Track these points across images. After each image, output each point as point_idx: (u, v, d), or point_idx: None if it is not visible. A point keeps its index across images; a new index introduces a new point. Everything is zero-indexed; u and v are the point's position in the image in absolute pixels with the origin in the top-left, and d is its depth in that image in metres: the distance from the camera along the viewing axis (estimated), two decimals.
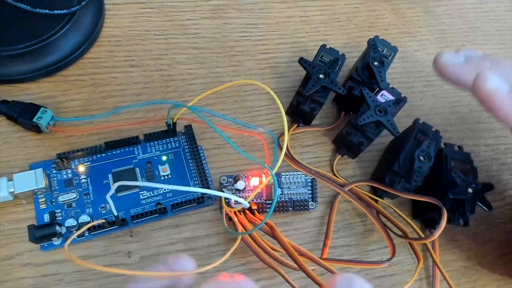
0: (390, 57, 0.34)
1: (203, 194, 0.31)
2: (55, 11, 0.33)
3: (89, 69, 0.35)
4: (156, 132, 0.32)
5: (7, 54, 0.31)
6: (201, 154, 0.33)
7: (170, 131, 0.32)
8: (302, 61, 0.32)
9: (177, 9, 0.39)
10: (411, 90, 0.39)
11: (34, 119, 0.30)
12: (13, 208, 0.29)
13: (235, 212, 0.30)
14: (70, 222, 0.29)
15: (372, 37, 0.35)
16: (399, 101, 0.32)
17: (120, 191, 0.30)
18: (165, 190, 0.31)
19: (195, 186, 0.31)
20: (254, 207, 0.30)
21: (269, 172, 0.27)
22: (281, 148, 0.34)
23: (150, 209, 0.30)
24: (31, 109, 0.31)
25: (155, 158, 0.32)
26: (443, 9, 0.44)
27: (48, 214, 0.29)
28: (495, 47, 0.43)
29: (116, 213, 0.27)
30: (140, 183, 0.30)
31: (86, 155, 0.31)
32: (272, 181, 0.32)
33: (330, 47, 0.34)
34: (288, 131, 0.34)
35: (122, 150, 0.32)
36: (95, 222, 0.28)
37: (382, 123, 0.31)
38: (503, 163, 0.38)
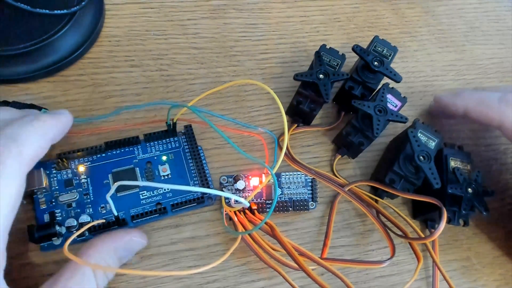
0: (390, 57, 0.34)
1: (203, 194, 0.31)
2: (55, 11, 0.33)
3: (89, 69, 0.35)
4: (156, 132, 0.32)
5: (7, 54, 0.31)
6: (201, 154, 0.33)
7: (170, 131, 0.32)
8: (298, 77, 0.32)
9: (177, 9, 0.39)
10: (411, 90, 0.39)
11: None
12: None
13: (235, 212, 0.30)
14: (70, 222, 0.29)
15: (372, 37, 0.35)
16: (383, 89, 0.32)
17: (120, 191, 0.30)
18: (165, 190, 0.31)
19: (195, 186, 0.31)
20: (254, 207, 0.30)
21: (269, 172, 0.27)
22: (281, 148, 0.34)
23: (150, 209, 0.30)
24: (31, 109, 0.31)
25: (155, 158, 0.32)
26: (443, 9, 0.44)
27: (48, 214, 0.29)
28: (495, 47, 0.43)
29: (116, 213, 0.27)
30: (140, 182, 0.30)
31: (86, 155, 0.31)
32: (272, 181, 0.32)
33: (330, 47, 0.34)
34: (288, 131, 0.34)
35: (122, 150, 0.32)
36: (95, 222, 0.28)
37: (390, 120, 0.31)
38: (503, 163, 0.38)
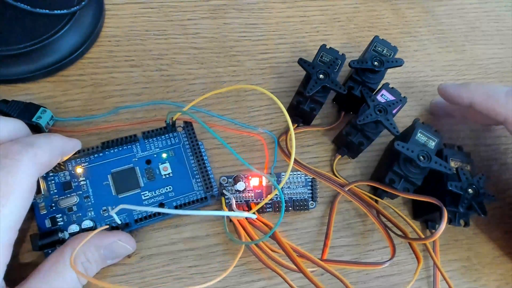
0: (390, 57, 0.34)
1: (206, 194, 0.30)
2: (55, 11, 0.33)
3: (89, 69, 0.35)
4: (155, 129, 0.32)
5: (7, 54, 0.31)
6: (202, 150, 0.32)
7: (169, 128, 0.32)
8: (301, 62, 0.32)
9: (177, 9, 0.39)
10: (411, 90, 0.39)
11: (34, 119, 0.30)
12: None
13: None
14: (73, 228, 0.28)
15: (372, 37, 0.35)
16: (400, 101, 0.32)
17: (122, 193, 0.30)
18: (167, 189, 0.31)
19: (197, 184, 0.31)
20: (254, 207, 0.30)
21: (272, 183, 0.27)
22: (281, 148, 0.33)
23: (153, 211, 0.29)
24: (31, 109, 0.31)
25: (155, 155, 0.31)
26: (443, 9, 0.44)
27: (49, 219, 0.29)
28: (495, 47, 0.43)
29: (120, 222, 0.27)
30: (143, 208, 0.29)
31: (83, 156, 0.30)
32: (272, 182, 0.32)
33: (330, 47, 0.34)
34: (288, 131, 0.34)
35: (120, 149, 0.31)
36: (99, 229, 0.28)
37: (381, 123, 0.31)
38: (503, 163, 0.38)
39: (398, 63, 0.33)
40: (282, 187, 0.32)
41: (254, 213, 0.28)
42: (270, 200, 0.32)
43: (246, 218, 0.30)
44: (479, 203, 0.30)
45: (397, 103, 0.32)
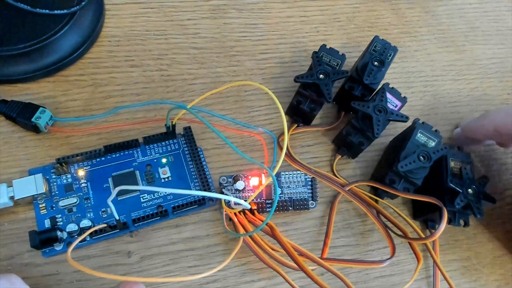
0: (390, 57, 0.34)
1: (204, 196, 0.30)
2: (55, 11, 0.33)
3: (89, 69, 0.35)
4: (156, 135, 0.32)
5: (7, 54, 0.31)
6: (201, 156, 0.32)
7: (170, 133, 0.32)
8: (298, 79, 0.32)
9: (177, 9, 0.39)
10: (411, 90, 0.39)
11: (33, 119, 0.30)
12: (13, 208, 0.29)
13: (235, 213, 0.30)
14: (71, 227, 0.28)
15: (372, 37, 0.35)
16: (383, 88, 0.33)
17: (121, 195, 0.30)
18: (165, 192, 0.31)
19: (195, 188, 0.31)
20: (254, 207, 0.30)
21: (269, 173, 0.27)
22: (280, 148, 0.33)
23: (151, 212, 0.30)
24: (30, 108, 0.31)
25: (155, 160, 0.32)
26: (443, 9, 0.44)
27: (49, 219, 0.29)
28: (495, 47, 0.43)
29: (118, 217, 0.27)
30: (141, 187, 0.30)
31: (86, 159, 0.31)
32: (272, 181, 0.32)
33: (330, 47, 0.34)
34: (288, 131, 0.34)
35: (122, 154, 0.32)
36: (97, 227, 0.28)
37: (391, 120, 0.31)
38: (503, 163, 0.38)
39: (394, 52, 0.34)
40: (282, 187, 0.32)
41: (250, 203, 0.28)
42: (270, 200, 0.32)
43: (244, 215, 0.30)
44: (484, 195, 0.30)
45: (400, 117, 0.32)
